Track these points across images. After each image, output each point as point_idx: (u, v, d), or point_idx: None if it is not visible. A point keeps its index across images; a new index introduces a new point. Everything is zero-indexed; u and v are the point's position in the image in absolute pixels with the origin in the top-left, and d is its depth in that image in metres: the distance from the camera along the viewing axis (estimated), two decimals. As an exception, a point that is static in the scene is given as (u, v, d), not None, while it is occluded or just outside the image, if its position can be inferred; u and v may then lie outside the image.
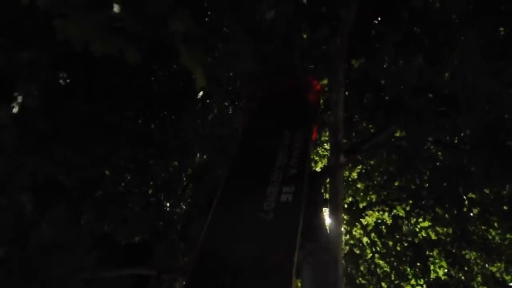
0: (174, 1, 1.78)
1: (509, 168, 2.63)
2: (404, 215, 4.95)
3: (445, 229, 5.63)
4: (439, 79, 2.73)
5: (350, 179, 5.85)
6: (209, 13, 2.16)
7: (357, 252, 5.25)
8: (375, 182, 5.66)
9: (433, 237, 5.69)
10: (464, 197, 3.85)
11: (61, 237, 3.68)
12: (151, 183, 4.65)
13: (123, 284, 4.79)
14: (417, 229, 5.48)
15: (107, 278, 4.43)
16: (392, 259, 5.70)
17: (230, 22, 2.05)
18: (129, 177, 4.51)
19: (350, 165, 5.25)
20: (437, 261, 5.67)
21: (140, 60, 1.76)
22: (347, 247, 5.37)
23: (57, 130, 3.85)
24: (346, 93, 3.32)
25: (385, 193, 4.94)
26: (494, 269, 6.40)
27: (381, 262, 5.95)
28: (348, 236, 5.48)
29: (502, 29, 2.52)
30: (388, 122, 3.55)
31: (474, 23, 2.16)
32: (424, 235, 5.77)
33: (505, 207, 3.46)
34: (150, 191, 4.96)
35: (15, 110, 3.03)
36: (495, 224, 4.84)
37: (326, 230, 2.94)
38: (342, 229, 5.58)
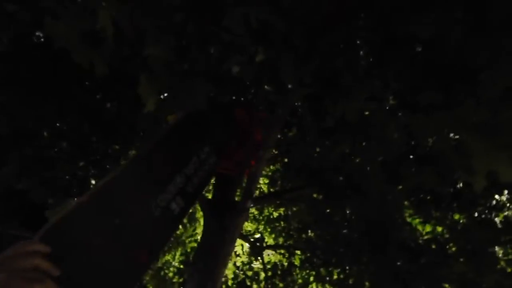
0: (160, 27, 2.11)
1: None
2: (298, 264, 5.49)
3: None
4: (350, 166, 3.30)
5: (271, 217, 6.35)
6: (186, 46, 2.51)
7: (248, 283, 5.67)
8: (291, 227, 6.20)
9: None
10: (347, 268, 4.46)
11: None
12: (85, 156, 4.74)
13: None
14: (310, 280, 6.06)
15: None
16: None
17: (194, 65, 2.43)
18: (64, 144, 4.57)
19: (272, 206, 5.73)
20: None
21: (106, 72, 2.06)
22: (243, 276, 5.77)
23: (12, 74, 3.88)
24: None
25: (292, 240, 5.47)
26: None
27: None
28: (247, 267, 5.89)
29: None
30: (309, 183, 4.09)
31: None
32: (313, 287, 6.37)
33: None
34: (80, 164, 5.02)
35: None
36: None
37: (219, 256, 3.32)
38: (244, 258, 5.99)
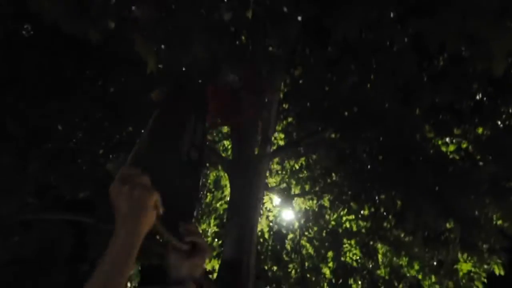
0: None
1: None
2: (328, 206, 5.62)
3: (365, 223, 6.44)
4: (363, 96, 3.24)
5: (293, 168, 6.42)
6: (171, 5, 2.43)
7: (284, 232, 5.87)
8: (315, 174, 6.28)
9: (354, 228, 6.49)
10: (376, 198, 4.52)
11: (5, 181, 3.83)
12: (103, 143, 4.83)
13: (63, 234, 5.01)
14: (343, 220, 6.23)
15: (47, 224, 4.62)
16: (316, 243, 6.44)
17: (188, 17, 2.36)
18: (80, 135, 4.66)
19: (292, 157, 5.77)
20: (352, 249, 6.48)
21: (101, 39, 2.02)
22: (277, 227, 5.98)
23: (14, 79, 3.90)
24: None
25: (321, 185, 5.55)
26: (401, 262, 7.35)
27: (307, 244, 6.67)
28: (279, 218, 6.08)
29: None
30: (326, 125, 4.07)
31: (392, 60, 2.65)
32: (347, 226, 6.55)
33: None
34: (100, 151, 5.13)
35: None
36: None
37: (250, 207, 3.42)
38: (274, 208, 6.16)
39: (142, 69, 4.49)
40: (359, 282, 6.01)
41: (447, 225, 3.62)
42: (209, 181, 6.39)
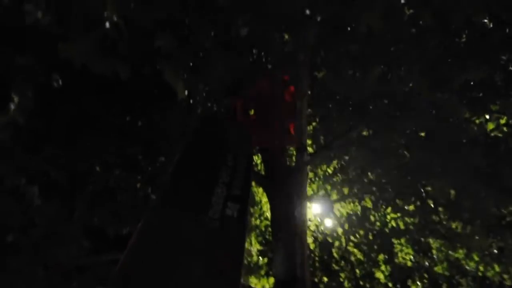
0: (158, 20, 2.11)
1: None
2: (371, 207, 5.41)
3: (412, 219, 6.14)
4: (391, 88, 3.14)
5: (327, 173, 6.29)
6: (189, 30, 2.49)
7: (330, 241, 5.70)
8: (350, 176, 6.11)
9: (402, 226, 6.20)
10: (422, 190, 4.31)
11: (56, 229, 3.98)
12: (139, 177, 4.94)
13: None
14: (387, 219, 5.97)
15: (98, 266, 4.73)
16: (365, 247, 6.19)
17: (207, 37, 2.40)
18: (118, 172, 4.80)
19: (324, 162, 5.66)
20: (404, 248, 6.17)
21: (130, 74, 2.08)
22: (321, 236, 5.81)
23: (48, 128, 4.11)
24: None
25: (358, 186, 5.38)
26: (457, 256, 6.93)
27: (354, 250, 6.43)
28: (322, 227, 5.92)
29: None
30: (355, 123, 3.97)
31: (418, 44, 2.56)
32: (393, 225, 6.27)
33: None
34: (138, 185, 5.26)
35: (11, 108, 3.28)
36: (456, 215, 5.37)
37: (295, 219, 3.34)
38: (314, 218, 6.02)
39: (166, 100, 4.63)
40: (418, 283, 5.68)
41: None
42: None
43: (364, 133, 4.35)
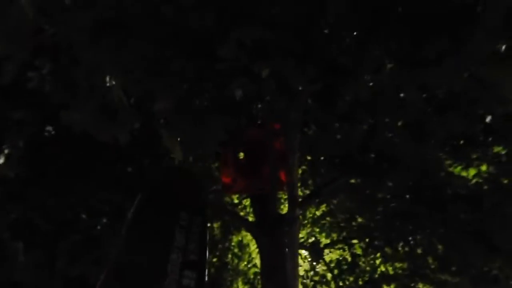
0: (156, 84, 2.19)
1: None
2: (361, 253, 5.40)
3: (401, 264, 6.13)
4: (378, 142, 3.29)
5: (315, 216, 6.29)
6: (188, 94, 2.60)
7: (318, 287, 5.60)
8: (339, 219, 6.13)
9: (391, 272, 6.16)
10: (410, 238, 4.37)
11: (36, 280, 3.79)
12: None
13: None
14: (376, 264, 5.94)
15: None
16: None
17: (203, 101, 2.50)
18: (104, 220, 4.69)
19: (313, 206, 5.70)
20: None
21: (129, 139, 2.13)
22: (311, 283, 5.71)
23: (36, 177, 4.04)
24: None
25: (345, 232, 5.40)
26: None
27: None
28: (312, 273, 5.83)
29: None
30: (343, 172, 4.08)
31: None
32: (382, 269, 6.23)
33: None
34: (123, 232, 5.13)
35: (0, 161, 3.25)
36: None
37: (286, 270, 3.31)
38: (306, 266, 5.94)
39: (155, 149, 4.65)
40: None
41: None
42: (232, 243, 6.25)
43: (352, 180, 4.46)
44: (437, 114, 3.88)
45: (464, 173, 5.00)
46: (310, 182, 5.56)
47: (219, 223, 5.49)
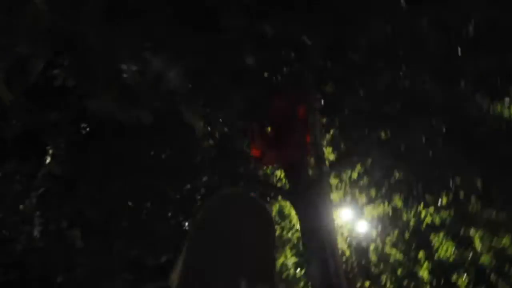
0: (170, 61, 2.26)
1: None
2: (401, 206, 5.35)
3: (448, 213, 5.97)
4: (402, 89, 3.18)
5: (352, 179, 6.24)
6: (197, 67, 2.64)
7: (365, 244, 5.64)
8: (376, 178, 6.04)
9: (438, 222, 6.03)
10: (451, 183, 4.24)
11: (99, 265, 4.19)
12: (170, 207, 5.12)
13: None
14: (422, 216, 5.85)
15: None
16: (402, 247, 6.07)
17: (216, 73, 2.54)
18: (149, 205, 4.99)
19: (348, 168, 5.65)
20: (443, 243, 5.99)
21: (152, 120, 2.24)
22: (354, 242, 5.77)
23: (82, 173, 4.38)
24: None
25: (383, 189, 5.35)
26: (502, 244, 6.57)
27: (393, 251, 6.29)
28: (355, 232, 5.87)
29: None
30: (372, 127, 4.00)
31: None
32: (428, 221, 6.11)
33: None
34: (169, 214, 5.45)
35: (47, 161, 3.56)
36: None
37: (322, 228, 3.38)
38: (346, 223, 5.97)
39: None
40: (464, 277, 5.49)
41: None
42: (272, 213, 6.40)
43: (383, 134, 4.34)
44: (466, 53, 3.65)
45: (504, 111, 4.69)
46: (342, 145, 5.49)
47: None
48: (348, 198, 5.69)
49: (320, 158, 2.92)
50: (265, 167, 5.24)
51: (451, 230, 5.84)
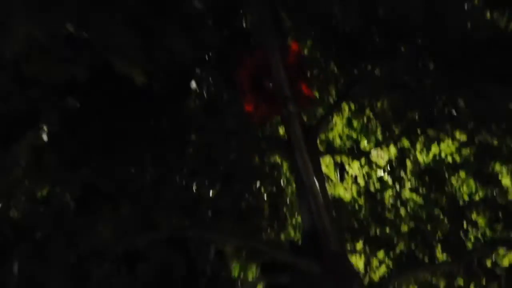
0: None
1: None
2: (409, 147, 5.08)
3: (469, 149, 5.56)
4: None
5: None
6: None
7: (372, 189, 5.49)
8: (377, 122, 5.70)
9: (458, 159, 5.66)
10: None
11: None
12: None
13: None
14: (436, 155, 5.51)
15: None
16: (421, 189, 5.82)
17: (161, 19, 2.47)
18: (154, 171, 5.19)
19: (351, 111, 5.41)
20: (466, 182, 5.65)
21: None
22: (364, 187, 5.63)
23: (86, 147, 4.62)
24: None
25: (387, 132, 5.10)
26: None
27: (413, 195, 6.05)
28: (366, 178, 5.71)
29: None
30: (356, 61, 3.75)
31: None
32: (450, 160, 5.76)
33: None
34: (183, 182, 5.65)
35: (44, 137, 3.78)
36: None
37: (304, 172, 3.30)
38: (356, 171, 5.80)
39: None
40: (485, 215, 5.17)
41: None
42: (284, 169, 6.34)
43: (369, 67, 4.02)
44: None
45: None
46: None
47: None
48: (350, 144, 5.49)
49: (286, 97, 2.82)
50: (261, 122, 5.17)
51: (472, 168, 5.47)
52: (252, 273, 6.21)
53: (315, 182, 2.93)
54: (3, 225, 3.19)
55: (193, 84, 4.83)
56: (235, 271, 6.71)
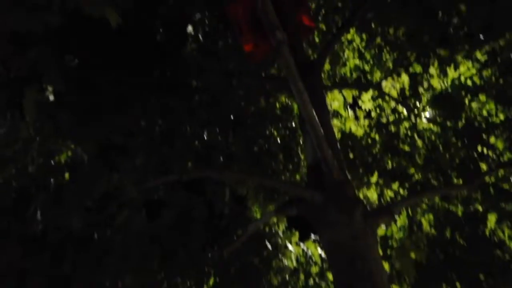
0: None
1: None
2: (421, 71, 4.77)
3: (489, 70, 5.19)
4: None
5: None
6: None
7: (384, 121, 5.33)
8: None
9: (478, 81, 5.34)
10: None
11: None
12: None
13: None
14: (455, 79, 5.19)
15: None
16: (439, 118, 5.60)
17: None
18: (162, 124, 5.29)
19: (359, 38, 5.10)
20: (485, 106, 5.35)
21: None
22: (375, 120, 5.47)
23: (99, 105, 4.72)
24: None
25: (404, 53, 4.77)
26: None
27: (430, 125, 5.86)
28: (379, 110, 5.53)
29: None
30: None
31: None
32: (469, 83, 5.44)
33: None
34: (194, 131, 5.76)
35: (50, 97, 3.89)
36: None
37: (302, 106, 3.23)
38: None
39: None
40: (503, 137, 4.95)
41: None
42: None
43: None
44: None
45: None
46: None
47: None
48: (357, 75, 5.25)
49: (272, 24, 2.66)
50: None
51: (494, 90, 5.14)
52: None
53: (313, 114, 2.86)
54: (23, 178, 3.43)
55: (189, 28, 4.69)
56: (256, 213, 7.02)
